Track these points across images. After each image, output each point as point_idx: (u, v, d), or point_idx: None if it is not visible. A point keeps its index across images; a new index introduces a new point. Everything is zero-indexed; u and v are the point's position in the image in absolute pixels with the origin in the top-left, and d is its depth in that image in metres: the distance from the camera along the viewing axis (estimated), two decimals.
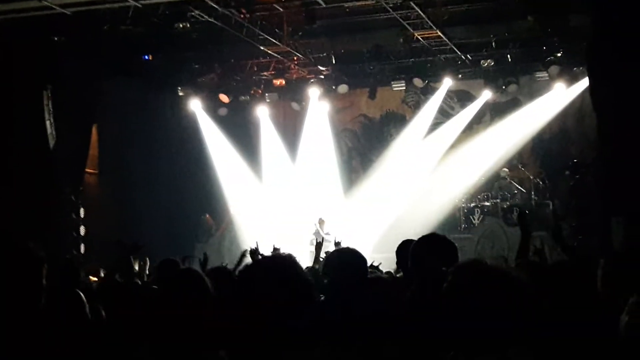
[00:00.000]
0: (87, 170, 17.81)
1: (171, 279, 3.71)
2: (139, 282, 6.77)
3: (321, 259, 7.39)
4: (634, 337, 2.53)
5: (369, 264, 6.34)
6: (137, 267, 6.96)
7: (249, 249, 8.22)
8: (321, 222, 19.02)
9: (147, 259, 10.65)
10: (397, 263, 6.48)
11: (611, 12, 11.98)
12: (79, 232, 16.48)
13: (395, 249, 5.83)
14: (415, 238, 4.42)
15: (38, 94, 15.59)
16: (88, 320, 4.11)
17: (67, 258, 4.98)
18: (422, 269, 3.77)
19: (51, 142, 15.75)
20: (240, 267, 5.70)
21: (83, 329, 3.88)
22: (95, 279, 9.38)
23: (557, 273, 4.56)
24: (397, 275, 5.96)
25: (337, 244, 10.42)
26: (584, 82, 17.65)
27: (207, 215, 21.28)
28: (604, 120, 12.73)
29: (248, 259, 7.80)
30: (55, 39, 15.73)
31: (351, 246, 4.29)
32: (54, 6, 13.52)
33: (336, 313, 3.81)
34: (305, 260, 15.25)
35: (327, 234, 18.68)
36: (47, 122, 15.68)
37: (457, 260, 3.81)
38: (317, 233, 18.65)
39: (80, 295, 4.14)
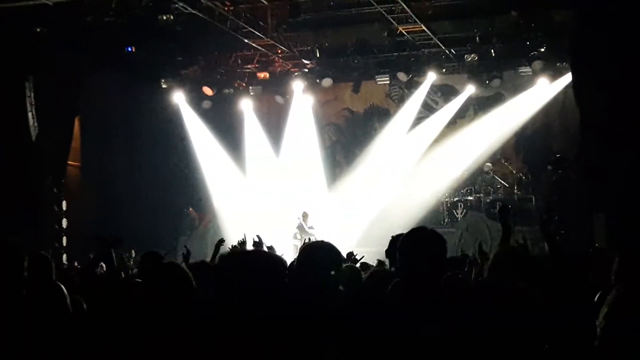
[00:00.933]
0: (69, 162, 17.70)
1: (153, 273, 3.68)
2: (122, 275, 6.74)
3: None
4: (609, 331, 2.54)
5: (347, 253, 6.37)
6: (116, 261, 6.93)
7: (238, 241, 8.24)
8: (305, 215, 19.01)
9: (133, 251, 10.62)
10: (386, 256, 6.49)
11: (594, 7, 12.03)
12: (61, 224, 16.39)
13: (378, 242, 5.85)
14: (401, 232, 4.40)
15: (20, 85, 15.46)
16: (69, 313, 4.08)
17: (41, 253, 4.92)
18: (409, 263, 3.76)
19: (33, 134, 15.64)
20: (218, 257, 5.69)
21: (63, 321, 3.86)
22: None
23: (546, 266, 4.59)
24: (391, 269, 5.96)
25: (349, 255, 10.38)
26: (567, 78, 17.73)
27: (191, 209, 21.24)
28: (586, 116, 12.80)
29: (225, 249, 7.81)
30: (37, 30, 15.59)
31: (331, 240, 4.27)
32: None
33: (308, 307, 3.80)
34: (288, 253, 15.26)
35: (310, 227, 18.69)
36: (29, 114, 15.56)
37: (446, 255, 3.81)
38: (300, 227, 18.64)
39: (61, 287, 4.11)
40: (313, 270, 3.92)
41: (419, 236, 3.83)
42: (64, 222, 16.46)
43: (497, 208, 18.45)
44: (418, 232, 3.90)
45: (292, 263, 4.73)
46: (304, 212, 19.12)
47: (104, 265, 6.90)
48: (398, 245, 3.83)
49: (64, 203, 16.63)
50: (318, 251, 4.07)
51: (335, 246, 4.10)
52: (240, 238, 8.29)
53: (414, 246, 3.76)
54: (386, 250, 6.42)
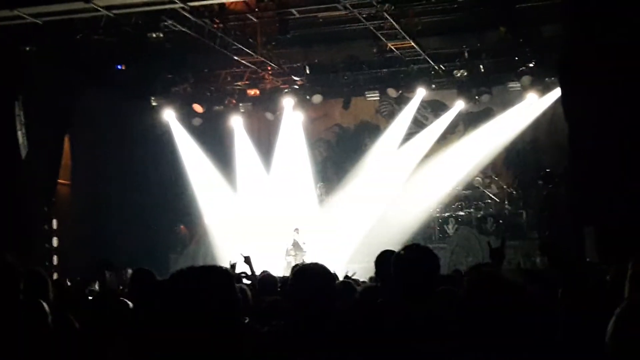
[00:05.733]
0: (60, 181, 17.66)
1: (146, 293, 3.67)
2: (112, 294, 6.72)
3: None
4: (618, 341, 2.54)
5: (344, 274, 6.36)
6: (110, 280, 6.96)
7: (230, 263, 8.20)
8: (297, 231, 19.01)
9: (129, 270, 10.59)
10: (375, 273, 6.48)
11: (583, 22, 12.11)
12: (52, 243, 16.32)
13: (370, 258, 5.83)
14: (391, 248, 4.41)
15: (10, 104, 15.44)
16: (49, 331, 3.99)
17: (34, 269, 4.88)
18: (403, 279, 3.79)
19: (23, 153, 15.59)
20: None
21: (42, 339, 3.78)
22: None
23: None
24: (377, 285, 5.95)
25: (346, 277, 10.33)
26: (556, 92, 17.82)
27: (182, 226, 21.19)
28: (575, 131, 12.84)
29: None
30: (27, 48, 15.60)
31: (320, 261, 4.27)
32: (25, 16, 13.41)
33: (306, 327, 3.80)
34: (280, 270, 15.23)
35: (303, 243, 18.69)
36: (19, 133, 15.52)
37: (439, 271, 3.84)
38: (295, 243, 18.65)
39: (42, 305, 4.03)
40: (307, 293, 3.91)
41: (413, 253, 3.86)
42: (55, 241, 16.39)
43: (489, 224, 18.56)
44: (412, 249, 3.94)
45: (285, 281, 4.72)
46: (297, 228, 19.11)
47: (96, 285, 6.92)
48: (392, 261, 3.86)
49: (54, 222, 16.58)
50: (312, 275, 4.07)
51: (328, 269, 4.11)
52: (230, 261, 8.22)
53: (408, 263, 3.79)
54: (375, 262, 6.41)
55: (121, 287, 8.81)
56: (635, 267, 4.28)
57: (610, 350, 2.47)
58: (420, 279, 3.72)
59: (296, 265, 4.78)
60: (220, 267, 2.19)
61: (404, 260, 3.83)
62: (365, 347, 3.55)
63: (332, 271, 4.14)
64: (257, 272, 8.07)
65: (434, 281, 3.82)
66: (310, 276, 4.01)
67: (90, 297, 6.36)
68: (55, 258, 16.26)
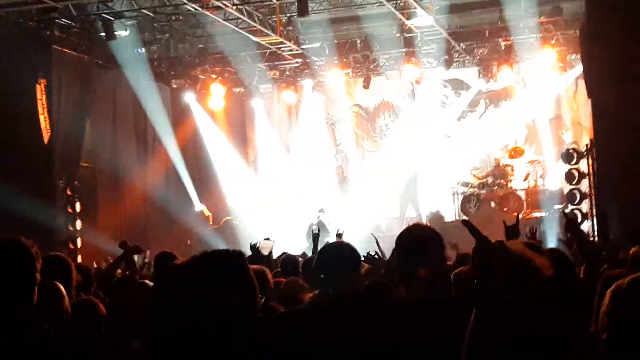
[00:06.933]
0: (82, 164, 17.76)
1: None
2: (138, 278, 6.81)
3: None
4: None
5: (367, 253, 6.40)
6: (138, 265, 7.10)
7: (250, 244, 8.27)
8: (322, 211, 19.02)
9: (148, 252, 10.70)
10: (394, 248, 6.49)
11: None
12: (75, 226, 16.44)
13: (392, 239, 5.83)
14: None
15: (32, 88, 15.52)
16: (63, 314, 3.95)
17: (56, 254, 4.90)
18: (404, 259, 3.82)
19: (45, 137, 15.70)
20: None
21: (56, 322, 3.76)
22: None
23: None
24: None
25: (339, 235, 10.51)
26: (578, 69, 17.66)
27: (204, 208, 21.27)
28: (597, 107, 12.74)
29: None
30: (47, 33, 15.68)
31: (350, 237, 4.34)
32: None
33: (328, 307, 3.83)
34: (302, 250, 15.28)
35: (328, 223, 18.71)
36: (41, 117, 15.62)
37: (443, 250, 3.85)
38: (320, 223, 18.64)
39: (57, 287, 4.01)
40: (333, 271, 3.95)
41: (413, 232, 3.89)
42: (78, 224, 16.51)
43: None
44: (413, 228, 3.98)
45: (309, 259, 4.74)
46: (322, 209, 19.12)
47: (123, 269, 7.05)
48: (397, 240, 3.88)
49: (78, 204, 16.69)
50: (339, 252, 4.11)
51: (355, 248, 4.15)
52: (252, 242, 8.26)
53: (409, 242, 3.81)
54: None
55: (145, 271, 8.92)
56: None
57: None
58: (423, 258, 3.73)
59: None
60: (234, 250, 2.19)
61: (404, 240, 3.85)
62: (388, 327, 3.56)
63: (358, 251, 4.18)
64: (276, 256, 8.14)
65: (437, 259, 3.82)
66: (338, 254, 4.05)
67: (117, 281, 6.44)
68: (79, 240, 16.37)
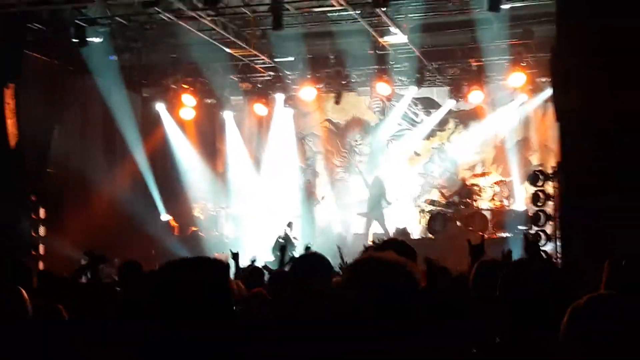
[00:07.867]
0: (49, 170, 17.59)
1: (135, 284, 3.67)
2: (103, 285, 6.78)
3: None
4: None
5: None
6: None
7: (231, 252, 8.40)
8: (290, 225, 19.03)
9: (116, 260, 10.63)
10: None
11: (575, 21, 12.14)
12: (39, 232, 16.25)
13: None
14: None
15: (0, 92, 15.36)
16: (26, 317, 3.93)
17: (16, 259, 4.86)
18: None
19: (12, 141, 15.53)
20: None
21: (18, 326, 3.73)
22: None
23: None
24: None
25: (307, 248, 10.60)
26: (547, 92, 17.89)
27: (171, 218, 21.14)
28: (565, 131, 12.88)
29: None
30: (19, 37, 15.55)
31: (317, 251, 4.37)
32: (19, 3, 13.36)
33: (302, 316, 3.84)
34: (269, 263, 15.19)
35: (294, 238, 18.71)
36: (9, 121, 15.46)
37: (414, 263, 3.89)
38: (286, 237, 18.63)
39: (19, 291, 3.98)
40: (308, 279, 3.98)
41: (390, 247, 3.93)
42: (42, 230, 16.32)
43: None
44: (388, 243, 4.02)
45: (276, 272, 4.77)
46: (290, 222, 19.13)
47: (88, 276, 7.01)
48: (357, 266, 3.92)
49: (42, 211, 16.50)
50: (313, 262, 4.14)
51: (326, 258, 4.19)
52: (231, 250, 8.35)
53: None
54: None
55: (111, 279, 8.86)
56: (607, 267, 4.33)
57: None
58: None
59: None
60: (209, 258, 2.21)
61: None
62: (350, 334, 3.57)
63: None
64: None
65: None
66: (311, 263, 4.09)
67: (81, 288, 6.41)
68: (41, 247, 16.18)
